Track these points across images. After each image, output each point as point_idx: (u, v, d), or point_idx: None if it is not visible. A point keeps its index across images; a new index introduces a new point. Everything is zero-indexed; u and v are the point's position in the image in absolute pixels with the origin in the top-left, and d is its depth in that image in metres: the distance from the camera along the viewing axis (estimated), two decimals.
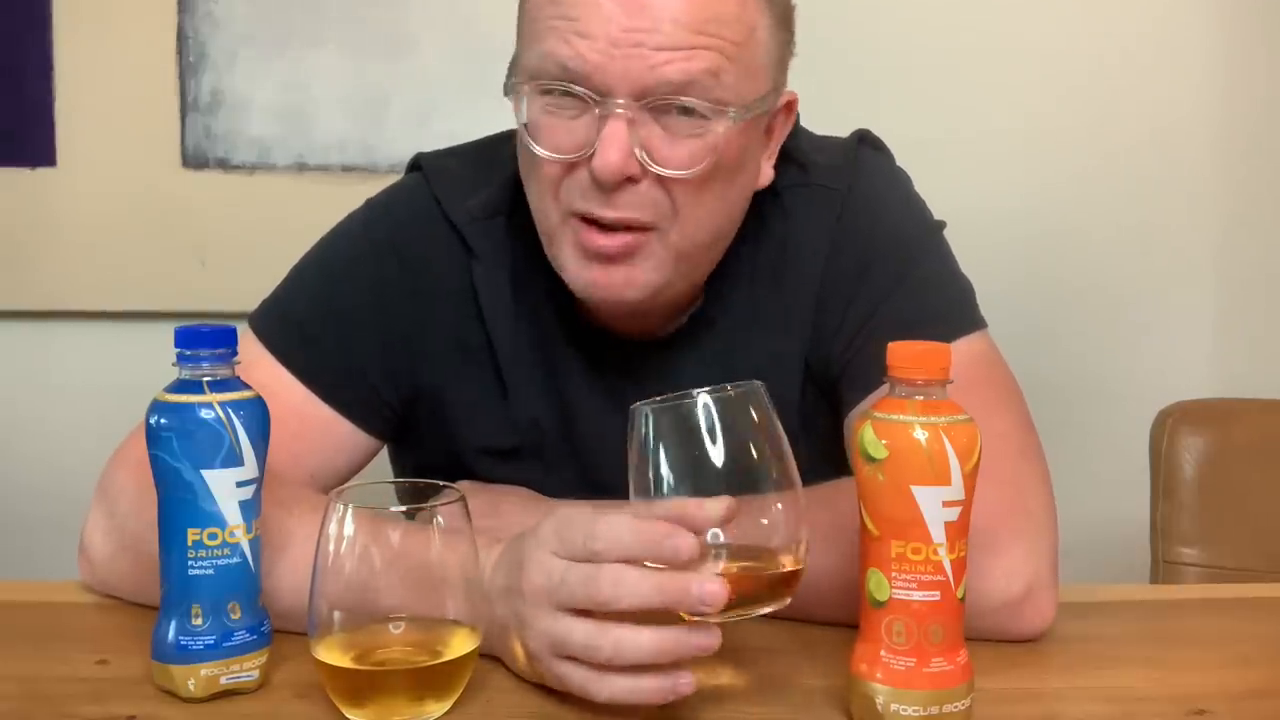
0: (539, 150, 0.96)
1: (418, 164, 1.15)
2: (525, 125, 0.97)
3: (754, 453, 0.79)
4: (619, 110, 0.92)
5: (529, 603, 0.79)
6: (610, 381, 1.09)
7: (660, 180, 0.95)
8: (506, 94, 0.99)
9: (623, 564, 0.76)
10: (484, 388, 1.10)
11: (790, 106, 1.06)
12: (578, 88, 0.93)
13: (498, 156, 1.11)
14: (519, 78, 0.97)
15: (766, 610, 0.79)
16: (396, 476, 1.22)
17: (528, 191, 1.02)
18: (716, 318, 1.09)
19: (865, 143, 1.13)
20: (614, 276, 0.98)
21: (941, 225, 1.11)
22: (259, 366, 1.02)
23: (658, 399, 0.80)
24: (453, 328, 1.09)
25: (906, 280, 1.05)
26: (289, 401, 1.03)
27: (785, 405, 1.08)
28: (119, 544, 0.98)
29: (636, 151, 0.93)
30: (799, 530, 0.79)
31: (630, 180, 0.94)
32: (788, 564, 0.79)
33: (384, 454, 1.20)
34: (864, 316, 1.05)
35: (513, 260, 1.09)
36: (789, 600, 0.80)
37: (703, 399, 0.79)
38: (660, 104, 0.93)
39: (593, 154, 0.93)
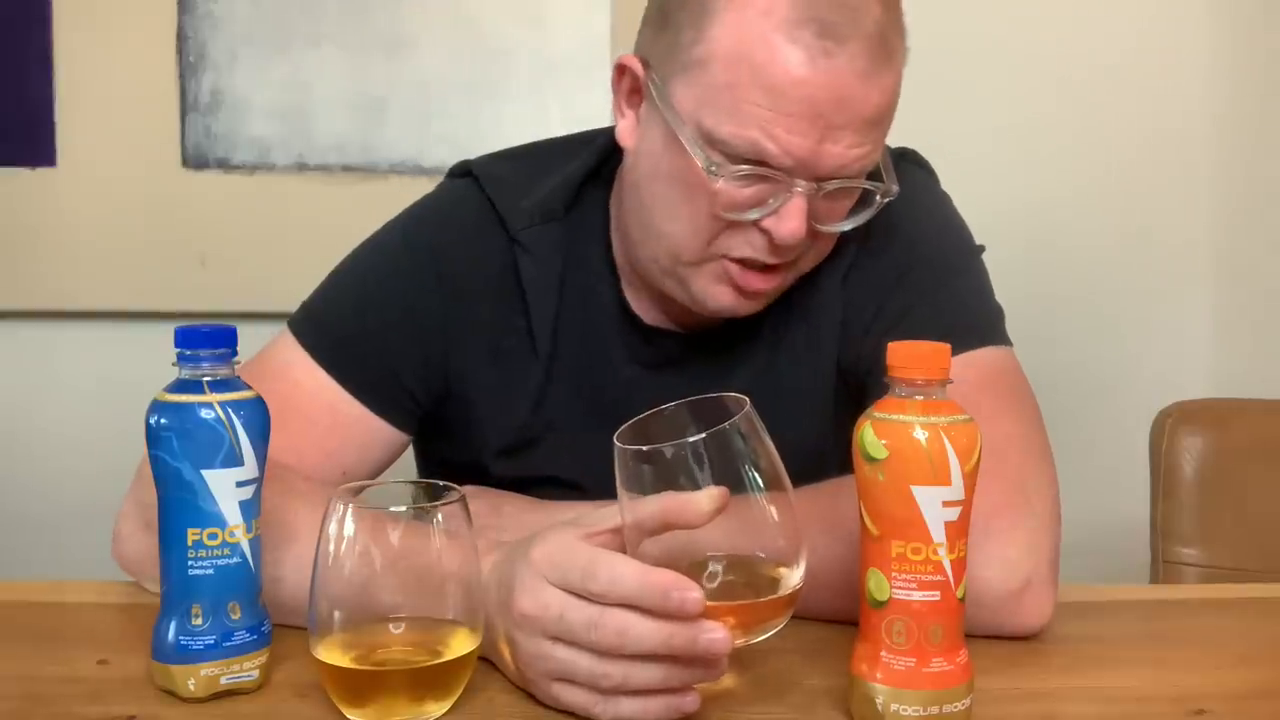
0: (723, 213, 0.99)
1: (465, 170, 1.17)
2: (711, 190, 0.98)
3: (744, 480, 0.78)
4: (802, 188, 0.97)
5: (519, 627, 0.79)
6: (658, 373, 1.12)
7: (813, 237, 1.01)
8: (653, 100, 1.00)
9: (626, 610, 0.75)
10: (518, 390, 1.12)
11: None
12: (769, 170, 0.96)
13: (547, 163, 1.15)
14: (693, 133, 0.97)
15: (766, 637, 0.78)
16: (421, 474, 1.24)
17: (657, 218, 1.03)
18: (761, 312, 1.10)
19: (906, 159, 1.16)
20: (751, 304, 1.05)
21: (981, 249, 1.14)
22: (296, 366, 1.06)
23: (640, 441, 0.78)
24: (491, 329, 1.11)
25: (943, 288, 1.08)
26: (325, 399, 1.06)
27: (821, 404, 1.11)
28: (147, 526, 0.98)
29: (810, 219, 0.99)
30: (797, 548, 0.78)
31: None
32: (785, 586, 0.78)
33: (407, 452, 1.20)
34: (896, 317, 1.07)
35: (563, 261, 1.11)
36: (786, 620, 0.79)
37: (688, 448, 0.77)
38: (835, 187, 0.99)
39: (766, 216, 0.98)
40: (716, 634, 0.74)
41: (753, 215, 0.99)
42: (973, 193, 1.71)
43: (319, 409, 1.05)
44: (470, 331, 1.11)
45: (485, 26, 1.81)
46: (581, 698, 0.78)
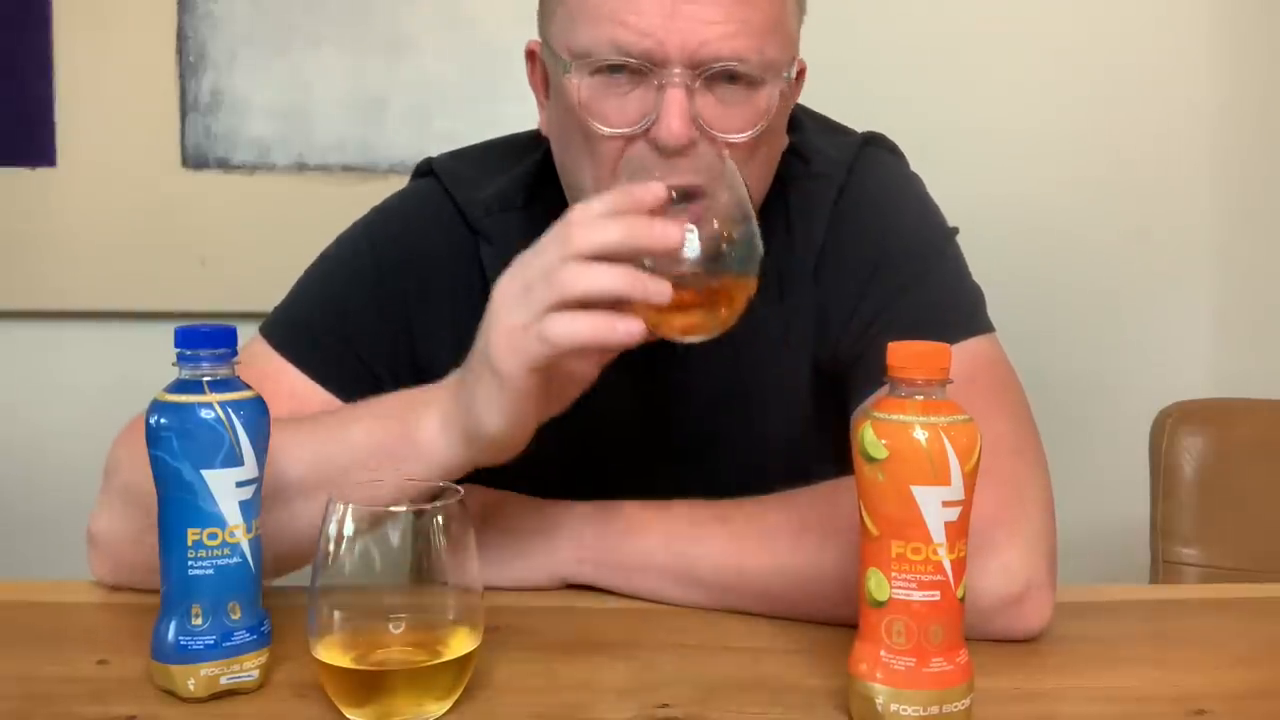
0: (600, 128, 0.97)
1: (426, 170, 1.17)
2: (577, 105, 0.98)
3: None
4: (676, 79, 0.95)
5: (499, 312, 0.87)
6: (620, 369, 1.10)
7: (714, 145, 0.97)
8: (560, 71, 1.00)
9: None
10: None
11: (802, 74, 1.08)
12: (633, 60, 0.95)
13: (504, 156, 1.15)
14: (567, 59, 0.98)
15: (715, 301, 0.87)
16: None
17: (574, 172, 1.03)
18: None
19: (873, 143, 1.14)
20: None
21: (955, 231, 1.12)
22: (263, 358, 1.06)
23: None
24: (457, 323, 1.10)
25: (919, 281, 1.06)
26: (293, 390, 1.06)
27: (796, 398, 1.10)
28: (118, 502, 0.99)
29: (695, 118, 0.96)
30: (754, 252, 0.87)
31: (689, 145, 0.96)
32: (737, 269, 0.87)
33: None
34: (874, 314, 1.05)
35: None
36: (732, 314, 0.89)
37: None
38: (713, 74, 0.96)
39: (651, 125, 0.96)
40: (671, 224, 0.83)
41: (636, 129, 0.96)
42: (975, 192, 1.72)
43: (288, 400, 1.04)
44: (437, 324, 1.10)
45: (485, 26, 1.80)
46: (534, 326, 0.84)
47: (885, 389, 0.79)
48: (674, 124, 0.94)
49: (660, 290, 0.83)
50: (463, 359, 1.12)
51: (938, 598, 0.76)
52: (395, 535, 0.77)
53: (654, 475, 1.10)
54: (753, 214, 0.88)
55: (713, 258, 0.86)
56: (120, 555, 1.00)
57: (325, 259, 1.15)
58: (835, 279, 1.08)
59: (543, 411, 0.92)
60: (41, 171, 1.81)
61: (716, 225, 0.86)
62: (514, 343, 0.86)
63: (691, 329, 0.88)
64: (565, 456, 1.12)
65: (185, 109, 1.81)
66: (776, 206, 1.09)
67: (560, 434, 1.11)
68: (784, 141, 1.08)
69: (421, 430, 0.93)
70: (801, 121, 1.13)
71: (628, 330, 0.84)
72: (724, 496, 1.03)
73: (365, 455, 0.94)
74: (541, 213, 1.10)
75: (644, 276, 0.84)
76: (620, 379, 1.10)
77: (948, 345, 0.78)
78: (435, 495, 0.80)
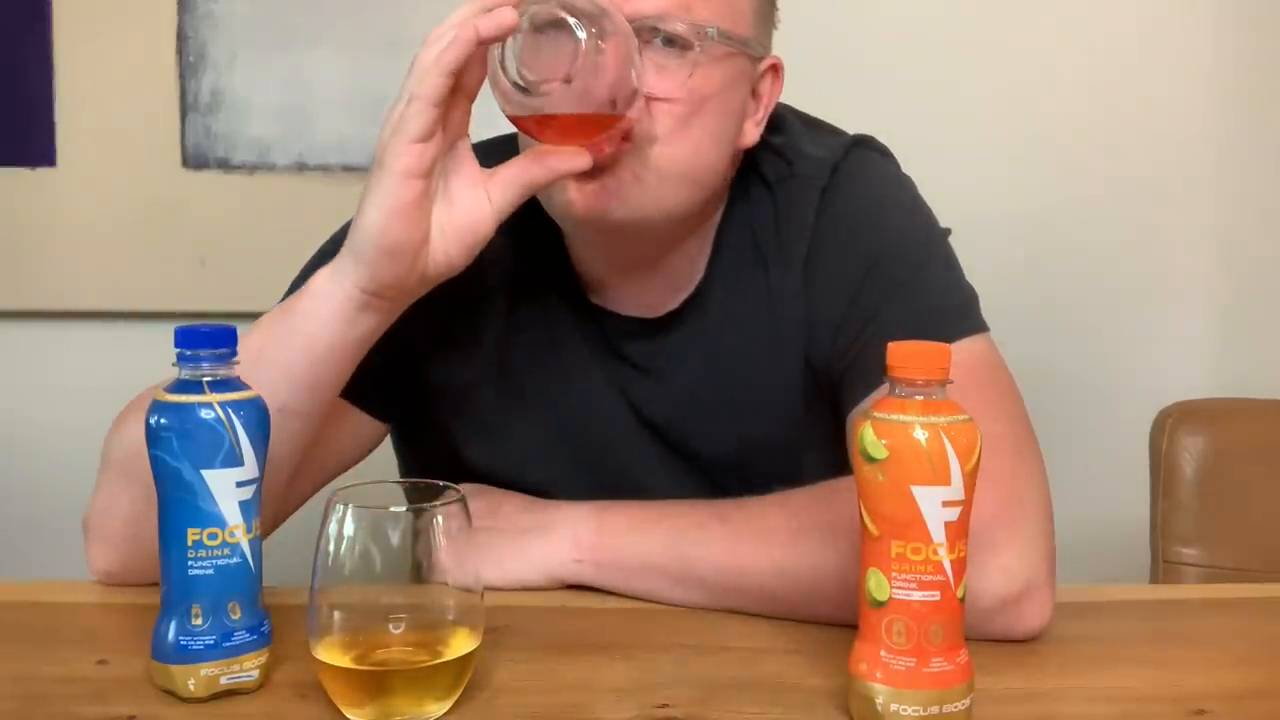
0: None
1: None
2: None
3: None
4: None
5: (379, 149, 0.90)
6: (606, 362, 1.11)
7: (646, 104, 0.98)
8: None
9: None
10: (479, 376, 1.12)
11: (776, 70, 1.08)
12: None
13: (494, 154, 1.13)
14: None
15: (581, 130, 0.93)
16: (402, 475, 1.23)
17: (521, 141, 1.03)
18: (711, 299, 1.10)
19: (862, 145, 1.14)
20: (598, 191, 1.00)
21: (947, 232, 1.12)
22: None
23: None
24: (447, 317, 1.10)
25: (911, 283, 1.06)
26: None
27: (786, 399, 1.10)
28: (111, 480, 0.99)
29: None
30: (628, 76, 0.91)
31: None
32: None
33: (390, 456, 1.20)
34: (866, 316, 1.05)
35: (514, 249, 1.10)
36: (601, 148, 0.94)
37: None
38: (641, 29, 0.96)
39: None
40: (505, 13, 0.88)
41: None
42: (975, 192, 1.72)
43: None
44: (429, 317, 1.08)
45: None
46: (411, 80, 0.93)
47: (884, 388, 0.79)
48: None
49: (502, 16, 0.88)
50: (451, 351, 1.12)
51: (938, 598, 0.76)
52: (395, 535, 0.78)
53: (647, 474, 1.11)
54: (634, 53, 0.92)
55: (584, 95, 0.90)
56: (114, 534, 0.99)
57: (320, 255, 1.14)
58: (825, 279, 1.08)
59: (434, 221, 0.93)
60: (41, 171, 1.81)
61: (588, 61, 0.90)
62: (390, 126, 0.91)
63: (568, 155, 0.94)
64: (553, 456, 1.12)
65: (185, 109, 1.81)
66: (763, 209, 1.09)
67: (548, 432, 1.12)
68: (740, 128, 1.06)
69: (315, 277, 0.96)
70: (788, 123, 1.13)
71: (467, 35, 0.89)
72: (718, 496, 1.03)
73: (272, 329, 0.96)
74: (529, 206, 1.11)
75: (482, 14, 0.89)
76: (593, 365, 1.11)
77: (948, 345, 0.78)
78: (435, 495, 0.80)
